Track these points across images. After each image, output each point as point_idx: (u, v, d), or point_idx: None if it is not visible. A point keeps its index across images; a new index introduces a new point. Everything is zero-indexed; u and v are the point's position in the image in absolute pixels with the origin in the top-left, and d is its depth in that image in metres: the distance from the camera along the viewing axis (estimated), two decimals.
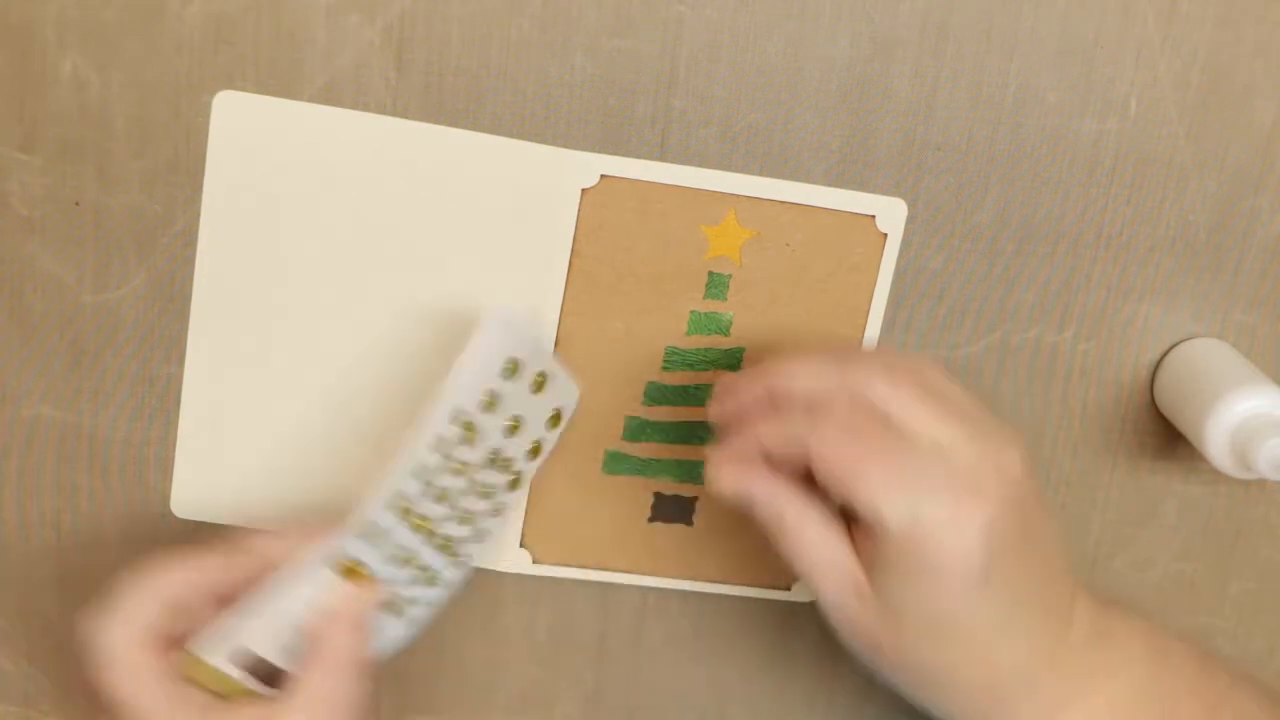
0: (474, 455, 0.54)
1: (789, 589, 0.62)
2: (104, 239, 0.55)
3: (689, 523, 0.61)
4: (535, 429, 0.56)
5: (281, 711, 0.51)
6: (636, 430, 0.60)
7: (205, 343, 0.57)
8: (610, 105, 0.55)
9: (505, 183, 0.56)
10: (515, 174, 0.56)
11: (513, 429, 0.55)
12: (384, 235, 0.56)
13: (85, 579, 0.60)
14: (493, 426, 0.54)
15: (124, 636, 0.50)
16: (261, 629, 0.52)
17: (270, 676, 0.53)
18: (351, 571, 0.53)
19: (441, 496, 0.54)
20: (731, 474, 0.51)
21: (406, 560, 0.54)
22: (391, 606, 0.55)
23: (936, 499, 0.47)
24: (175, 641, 0.51)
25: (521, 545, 0.61)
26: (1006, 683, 0.51)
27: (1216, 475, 0.59)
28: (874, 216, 0.58)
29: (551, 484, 0.60)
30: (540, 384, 0.55)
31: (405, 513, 0.53)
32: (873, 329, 0.59)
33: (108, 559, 0.59)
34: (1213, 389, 0.57)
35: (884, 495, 0.47)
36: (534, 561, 0.61)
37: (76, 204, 0.55)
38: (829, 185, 0.57)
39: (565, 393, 0.57)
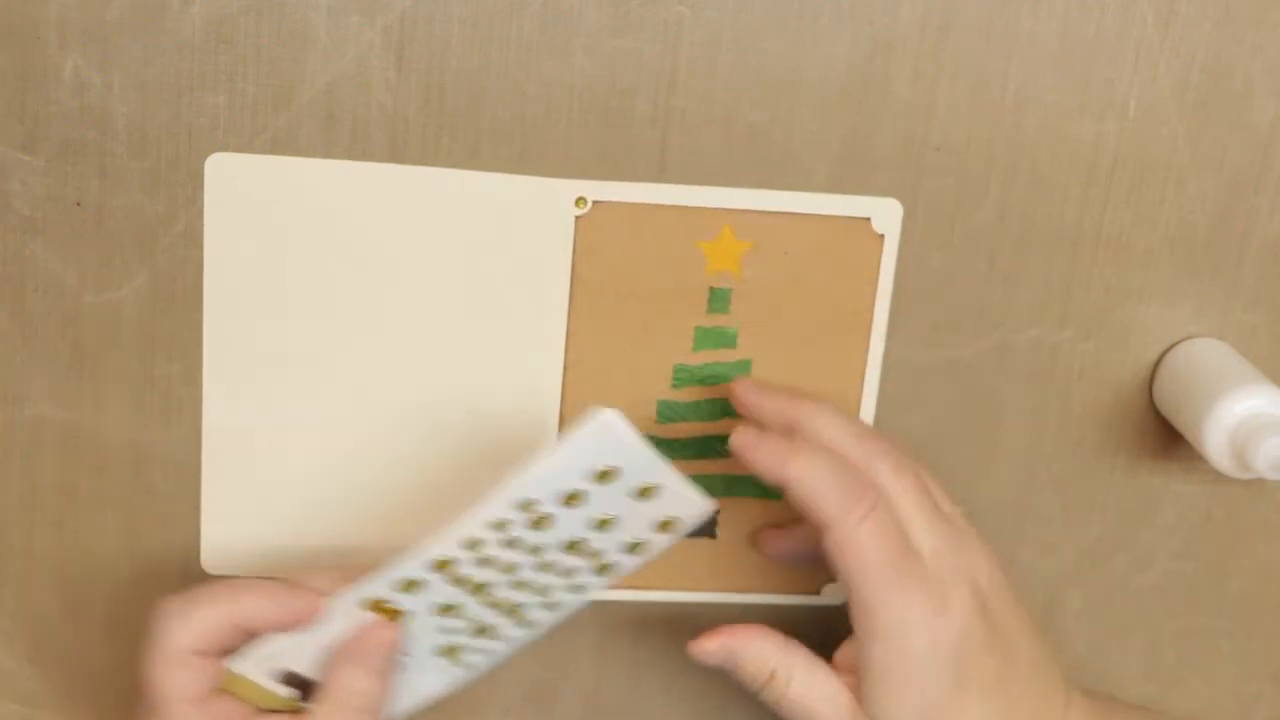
0: (547, 539, 0.54)
1: (818, 593, 0.63)
2: (105, 239, 0.55)
3: (713, 536, 0.62)
4: (636, 530, 0.55)
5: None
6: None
7: (221, 389, 0.58)
8: (610, 105, 0.56)
9: (499, 217, 0.56)
10: (508, 208, 0.56)
11: (603, 524, 0.54)
12: (386, 277, 0.57)
13: (86, 579, 0.60)
14: (575, 519, 0.53)
15: (188, 640, 0.52)
16: (296, 651, 0.54)
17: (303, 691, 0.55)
18: (380, 607, 0.54)
19: (490, 563, 0.54)
20: (712, 640, 0.55)
21: (448, 609, 0.55)
22: (447, 651, 0.57)
23: (921, 604, 0.51)
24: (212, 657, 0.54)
25: None
26: None
27: (1215, 475, 0.59)
28: (869, 219, 0.58)
29: None
30: (647, 493, 0.54)
31: (442, 567, 0.53)
32: (876, 330, 0.59)
33: (109, 560, 0.60)
34: (1212, 389, 0.57)
35: (884, 596, 0.51)
36: None
37: (78, 204, 0.55)
38: (829, 185, 0.57)
39: (685, 504, 0.55)
